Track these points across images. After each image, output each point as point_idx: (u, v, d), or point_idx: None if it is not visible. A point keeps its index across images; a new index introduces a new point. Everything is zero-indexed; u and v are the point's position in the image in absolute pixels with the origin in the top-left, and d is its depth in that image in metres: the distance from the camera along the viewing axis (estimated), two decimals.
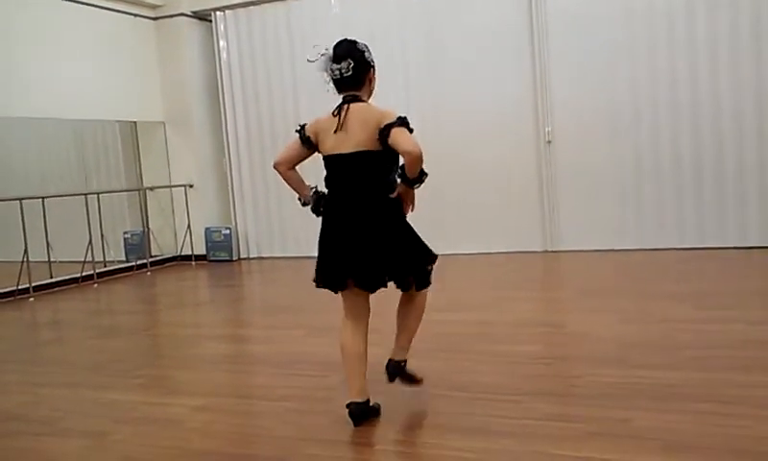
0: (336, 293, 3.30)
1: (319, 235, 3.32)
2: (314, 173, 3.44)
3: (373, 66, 3.29)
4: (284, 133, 9.17)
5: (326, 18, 8.89)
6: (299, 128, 3.33)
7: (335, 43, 3.24)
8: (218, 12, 9.49)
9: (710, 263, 6.85)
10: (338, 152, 3.19)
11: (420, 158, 3.03)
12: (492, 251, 7.76)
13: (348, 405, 3.24)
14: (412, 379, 3.53)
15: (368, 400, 3.27)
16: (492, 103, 8.16)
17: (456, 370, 3.98)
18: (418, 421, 3.47)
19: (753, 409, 3.10)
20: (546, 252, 8.14)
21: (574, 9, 7.80)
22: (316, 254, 3.33)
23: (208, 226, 9.70)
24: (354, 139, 3.15)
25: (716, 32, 7.29)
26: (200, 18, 9.69)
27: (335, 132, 3.18)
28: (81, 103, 8.52)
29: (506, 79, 8.11)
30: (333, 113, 3.21)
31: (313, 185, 3.37)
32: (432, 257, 3.36)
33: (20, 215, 7.42)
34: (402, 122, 3.08)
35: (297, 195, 3.40)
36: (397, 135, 3.04)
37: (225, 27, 9.52)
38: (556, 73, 7.94)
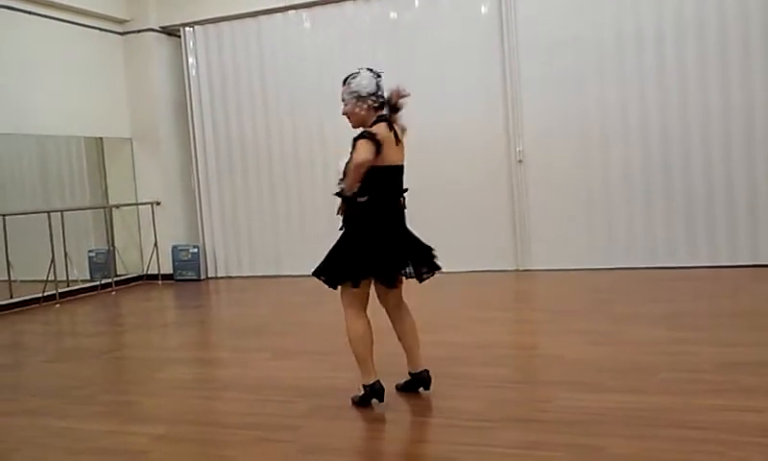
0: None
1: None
2: None
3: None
4: (254, 150, 9.08)
5: (297, 34, 8.83)
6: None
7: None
8: (187, 28, 9.38)
9: (681, 283, 6.87)
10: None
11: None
12: (464, 270, 7.70)
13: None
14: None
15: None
16: (463, 122, 8.14)
17: (424, 394, 3.89)
18: (382, 450, 3.37)
19: (727, 435, 3.06)
20: (518, 271, 8.12)
21: (545, 30, 7.85)
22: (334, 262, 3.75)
23: (175, 244, 9.53)
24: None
25: (685, 54, 7.39)
26: (168, 34, 9.57)
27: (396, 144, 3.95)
28: (45, 118, 8.34)
29: (477, 99, 8.11)
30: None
31: None
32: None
33: None
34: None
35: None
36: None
37: (194, 43, 9.40)
38: (527, 93, 7.97)
